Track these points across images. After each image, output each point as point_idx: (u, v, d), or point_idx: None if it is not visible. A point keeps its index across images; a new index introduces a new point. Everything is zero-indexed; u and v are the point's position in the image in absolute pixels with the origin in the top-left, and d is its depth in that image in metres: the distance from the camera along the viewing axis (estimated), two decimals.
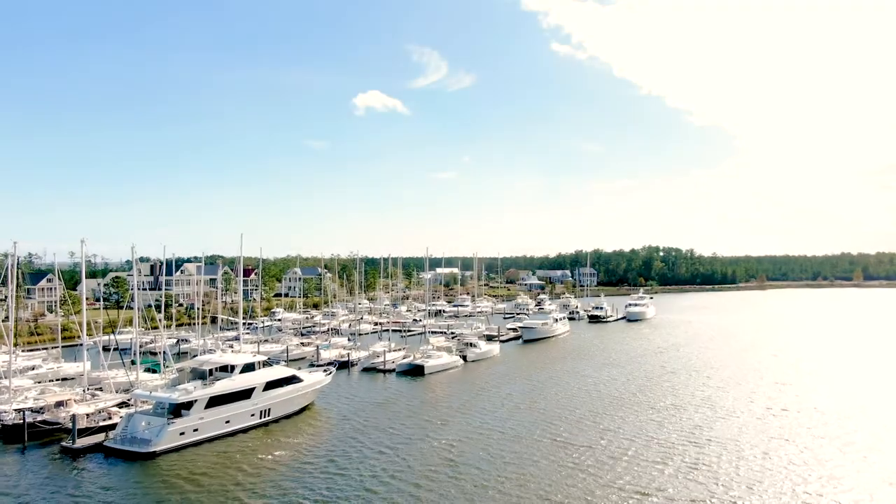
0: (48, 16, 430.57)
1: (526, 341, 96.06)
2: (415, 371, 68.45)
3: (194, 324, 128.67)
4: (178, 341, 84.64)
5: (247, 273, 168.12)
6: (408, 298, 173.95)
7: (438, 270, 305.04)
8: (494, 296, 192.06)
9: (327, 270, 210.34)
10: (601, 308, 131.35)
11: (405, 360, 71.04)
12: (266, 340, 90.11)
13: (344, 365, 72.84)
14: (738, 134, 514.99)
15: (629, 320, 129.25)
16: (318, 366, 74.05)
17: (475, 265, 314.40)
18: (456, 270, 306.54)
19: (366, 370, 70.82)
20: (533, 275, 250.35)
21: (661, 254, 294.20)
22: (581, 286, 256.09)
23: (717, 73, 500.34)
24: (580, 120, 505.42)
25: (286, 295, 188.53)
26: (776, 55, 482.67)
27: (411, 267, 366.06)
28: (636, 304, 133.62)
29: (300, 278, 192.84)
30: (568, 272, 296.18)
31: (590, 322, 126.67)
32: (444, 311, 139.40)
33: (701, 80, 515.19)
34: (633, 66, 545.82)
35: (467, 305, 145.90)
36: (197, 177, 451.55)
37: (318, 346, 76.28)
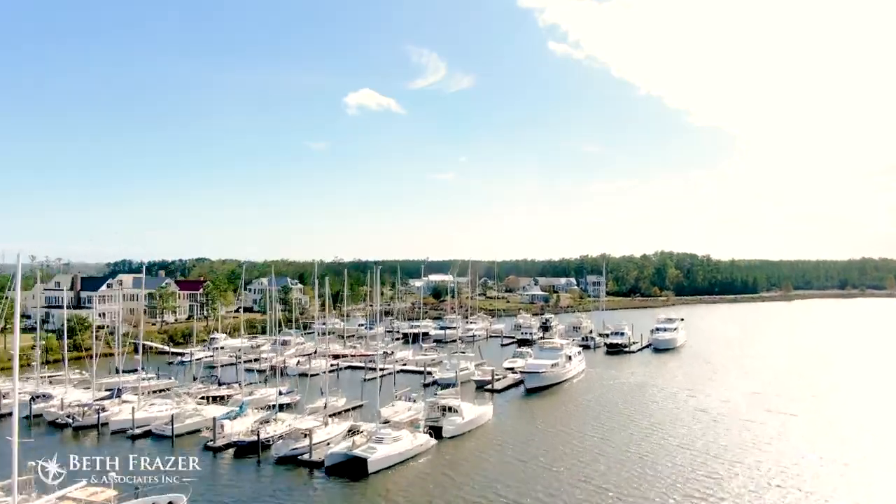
0: (47, 17, 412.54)
1: (529, 391, 70.70)
2: (354, 467, 43.16)
3: (117, 353, 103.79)
4: (31, 398, 59.12)
5: (195, 286, 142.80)
6: (390, 315, 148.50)
7: (431, 278, 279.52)
8: (491, 310, 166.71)
9: (298, 281, 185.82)
10: (621, 333, 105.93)
11: (342, 447, 45.73)
12: (164, 390, 64.84)
13: (254, 448, 47.56)
14: (738, 134, 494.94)
15: (656, 349, 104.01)
16: (215, 448, 48.98)
17: (469, 272, 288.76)
18: (448, 278, 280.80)
19: (282, 461, 45.53)
20: (535, 285, 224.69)
21: (675, 260, 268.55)
22: (590, 296, 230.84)
23: (717, 72, 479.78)
24: (580, 121, 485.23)
25: (250, 310, 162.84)
26: (776, 54, 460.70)
27: (397, 276, 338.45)
28: (665, 329, 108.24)
29: (265, 290, 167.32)
30: (573, 280, 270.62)
31: (608, 352, 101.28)
32: (426, 335, 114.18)
33: (700, 79, 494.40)
34: (631, 65, 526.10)
35: (456, 327, 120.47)
36: (194, 178, 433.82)
37: (215, 419, 50.73)
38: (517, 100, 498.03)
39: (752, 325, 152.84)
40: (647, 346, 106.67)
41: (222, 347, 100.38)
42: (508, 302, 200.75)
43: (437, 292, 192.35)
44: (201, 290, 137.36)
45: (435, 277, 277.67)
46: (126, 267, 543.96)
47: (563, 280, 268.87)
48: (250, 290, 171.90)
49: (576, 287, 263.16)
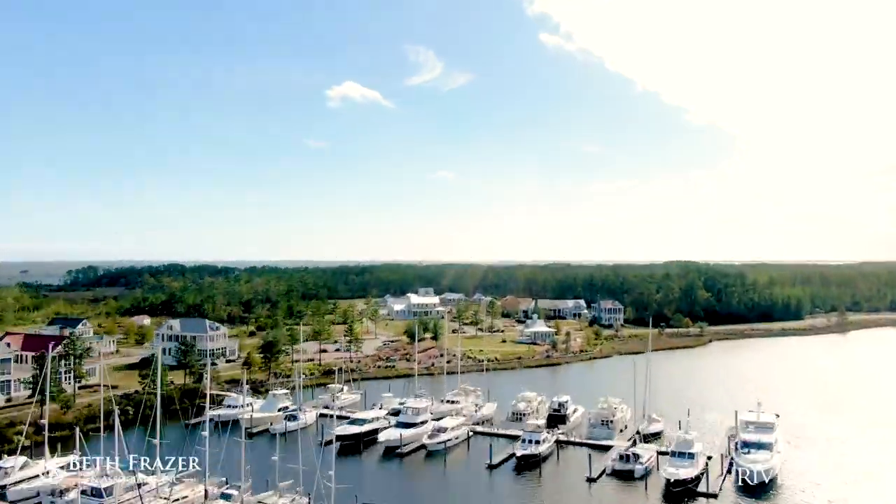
0: (42, 16, 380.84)
1: None
2: None
3: None
4: None
5: (38, 343, 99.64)
6: (342, 377, 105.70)
7: (414, 300, 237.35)
8: (481, 363, 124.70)
9: (222, 324, 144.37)
10: (690, 455, 63.80)
11: None
12: None
13: None
14: (737, 133, 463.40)
15: (745, 485, 61.80)
16: None
17: (461, 291, 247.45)
18: (435, 300, 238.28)
19: None
20: (538, 319, 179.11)
21: (704, 278, 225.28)
22: (605, 327, 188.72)
23: (715, 69, 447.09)
24: (578, 120, 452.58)
25: (153, 362, 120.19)
26: (775, 53, 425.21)
27: (373, 295, 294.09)
28: (757, 445, 66.13)
29: (177, 337, 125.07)
30: (582, 302, 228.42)
31: (668, 495, 59.33)
32: (374, 438, 72.72)
33: (698, 75, 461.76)
34: (625, 58, 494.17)
35: (422, 420, 78.72)
36: (194, 177, 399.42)
37: None
38: (514, 97, 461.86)
39: (841, 392, 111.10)
40: (727, 472, 64.99)
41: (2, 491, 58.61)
42: (504, 341, 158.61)
43: (413, 334, 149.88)
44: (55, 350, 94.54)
45: (419, 300, 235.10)
46: (92, 274, 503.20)
47: (570, 303, 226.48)
48: (157, 335, 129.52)
49: (586, 311, 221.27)
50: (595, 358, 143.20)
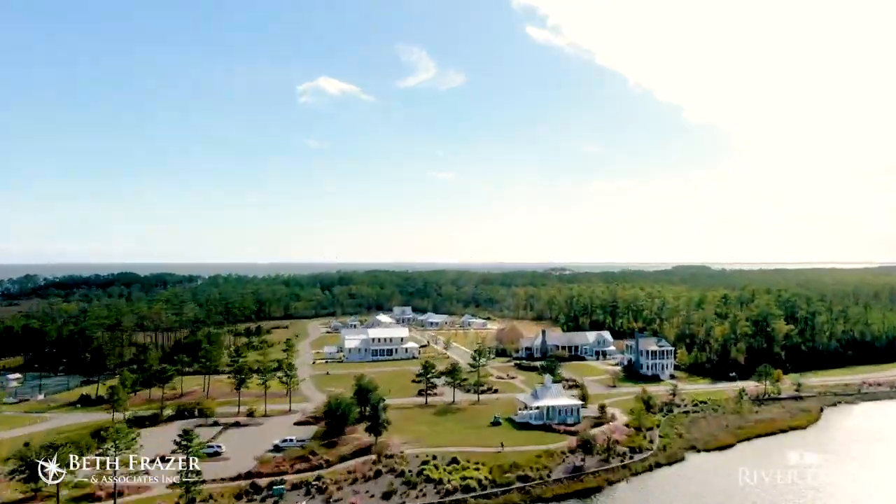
0: (42, 16, 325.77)
1: None
2: None
3: None
4: None
5: None
6: None
7: (374, 332, 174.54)
8: (450, 494, 63.41)
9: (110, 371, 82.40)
10: None
11: None
12: None
13: None
14: (735, 131, 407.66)
15: None
16: None
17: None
18: (404, 332, 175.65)
19: None
20: (552, 379, 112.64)
21: (780, 302, 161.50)
22: (645, 375, 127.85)
23: (710, 65, 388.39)
24: (578, 120, 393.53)
25: None
26: (772, 51, 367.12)
27: (342, 312, 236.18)
28: None
29: None
30: (607, 335, 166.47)
31: None
32: None
33: (692, 72, 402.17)
34: (616, 54, 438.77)
35: None
36: (189, 177, 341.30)
37: None
38: (510, 96, 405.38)
39: None
40: None
41: None
42: (497, 421, 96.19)
43: (340, 416, 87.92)
44: None
45: (381, 333, 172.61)
46: (30, 284, 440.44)
47: (590, 336, 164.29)
48: None
49: (613, 347, 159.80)
50: (659, 465, 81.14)
